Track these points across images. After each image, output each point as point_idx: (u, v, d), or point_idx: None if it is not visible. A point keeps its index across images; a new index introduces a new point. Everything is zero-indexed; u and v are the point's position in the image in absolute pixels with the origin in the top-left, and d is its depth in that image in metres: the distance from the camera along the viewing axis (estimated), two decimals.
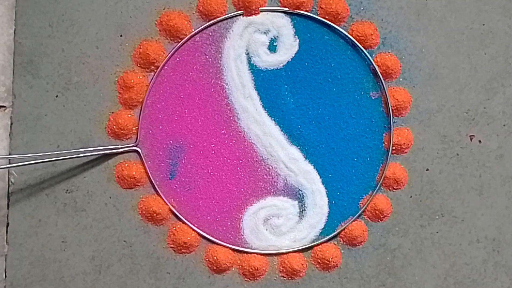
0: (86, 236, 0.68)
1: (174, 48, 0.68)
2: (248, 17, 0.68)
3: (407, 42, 0.70)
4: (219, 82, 0.69)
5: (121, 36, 0.68)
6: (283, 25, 0.69)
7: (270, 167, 0.69)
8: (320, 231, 0.70)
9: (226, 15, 0.68)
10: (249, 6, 0.67)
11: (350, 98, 0.70)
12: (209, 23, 0.68)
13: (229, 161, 0.69)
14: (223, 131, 0.69)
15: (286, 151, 0.70)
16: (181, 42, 0.68)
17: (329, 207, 0.70)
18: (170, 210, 0.69)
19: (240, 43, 0.69)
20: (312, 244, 0.70)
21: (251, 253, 0.70)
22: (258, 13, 0.68)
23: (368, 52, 0.70)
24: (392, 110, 0.70)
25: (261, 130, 0.69)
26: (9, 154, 0.67)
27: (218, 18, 0.69)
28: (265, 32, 0.69)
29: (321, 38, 0.69)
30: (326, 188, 0.70)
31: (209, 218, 0.69)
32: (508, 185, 0.71)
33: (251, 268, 0.69)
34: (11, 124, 0.67)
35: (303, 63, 0.69)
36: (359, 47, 0.70)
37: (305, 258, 0.70)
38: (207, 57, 0.68)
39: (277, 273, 0.70)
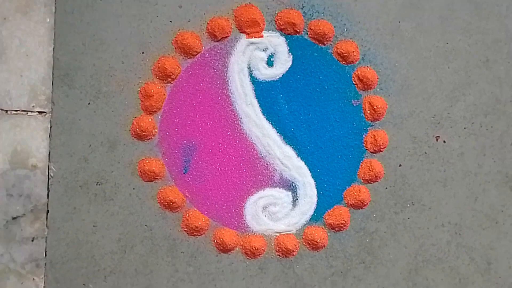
0: (114, 221, 0.74)
1: (187, 63, 0.74)
2: (250, 38, 0.74)
3: (383, 58, 0.76)
4: (225, 92, 0.74)
5: (142, 53, 0.74)
6: (279, 43, 0.74)
7: (268, 163, 0.75)
8: (310, 217, 0.76)
9: (231, 36, 0.74)
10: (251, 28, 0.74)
11: (336, 105, 0.75)
12: (216, 42, 0.74)
13: (233, 158, 0.74)
14: (228, 133, 0.74)
15: (282, 149, 0.75)
16: (194, 58, 0.74)
17: (318, 197, 0.75)
18: (184, 199, 0.75)
19: (242, 59, 0.74)
20: (303, 228, 0.75)
21: (252, 235, 0.75)
22: (259, 36, 0.74)
23: (350, 66, 0.75)
24: (371, 115, 0.75)
25: (260, 132, 0.74)
26: (49, 152, 0.73)
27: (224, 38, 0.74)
28: (264, 50, 0.74)
29: (311, 55, 0.75)
30: (315, 181, 0.75)
31: (217, 206, 0.75)
32: (468, 178, 0.77)
33: (252, 248, 0.74)
34: (51, 127, 0.73)
35: (296, 75, 0.75)
36: (343, 62, 0.75)
37: (297, 240, 0.75)
38: (215, 70, 0.74)
39: (274, 252, 0.75)
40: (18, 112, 0.73)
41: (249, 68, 0.75)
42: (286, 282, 0.75)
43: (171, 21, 0.73)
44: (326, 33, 0.75)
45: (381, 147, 0.76)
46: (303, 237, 0.76)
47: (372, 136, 0.76)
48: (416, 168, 0.77)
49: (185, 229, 0.75)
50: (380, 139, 0.76)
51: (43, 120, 0.74)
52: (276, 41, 0.74)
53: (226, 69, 0.74)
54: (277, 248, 0.75)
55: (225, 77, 0.74)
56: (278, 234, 0.75)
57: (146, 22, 0.73)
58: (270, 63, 0.75)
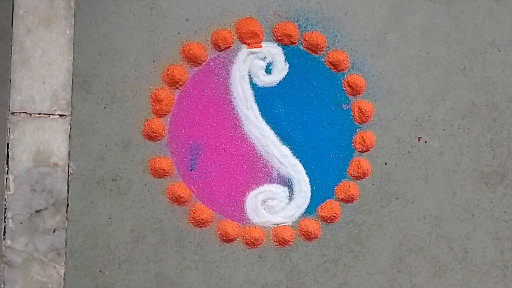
0: (127, 214, 0.77)
1: (194, 71, 0.77)
2: (250, 48, 0.77)
3: (370, 66, 0.78)
4: (228, 97, 0.77)
5: (153, 61, 0.77)
6: (276, 53, 0.77)
7: (267, 162, 0.78)
8: (305, 210, 0.78)
9: (233, 46, 0.77)
10: (251, 39, 0.77)
11: (327, 109, 0.78)
12: (220, 52, 0.77)
13: (235, 157, 0.78)
14: (231, 134, 0.77)
15: (279, 149, 0.78)
16: (199, 66, 0.77)
17: (311, 192, 0.78)
18: (191, 194, 0.77)
19: (243, 67, 0.77)
20: (299, 220, 0.78)
21: (252, 227, 0.78)
22: (259, 46, 0.77)
23: (341, 74, 0.78)
24: (359, 118, 0.78)
25: (259, 133, 0.77)
26: (69, 151, 0.77)
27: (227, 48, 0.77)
28: (262, 59, 0.78)
29: (305, 63, 0.78)
30: (309, 178, 0.78)
31: (220, 200, 0.78)
32: (447, 175, 0.80)
33: (252, 238, 0.78)
34: (70, 128, 0.76)
35: (292, 82, 0.78)
36: (334, 70, 0.78)
37: (293, 231, 0.78)
38: (218, 77, 0.77)
39: (272, 242, 0.78)
40: (41, 115, 0.76)
41: (250, 75, 0.77)
42: (283, 269, 0.79)
43: (179, 33, 0.77)
44: (319, 44, 0.78)
45: (369, 147, 0.79)
46: (298, 228, 0.79)
47: (360, 137, 0.78)
48: (400, 166, 0.80)
49: (192, 221, 0.78)
50: (368, 139, 0.78)
51: (64, 123, 0.76)
52: (273, 51, 0.77)
53: (228, 76, 0.77)
54: (275, 238, 0.78)
55: (227, 84, 0.77)
56: (275, 226, 0.78)
57: (157, 34, 0.77)
58: (268, 71, 0.78)
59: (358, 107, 0.78)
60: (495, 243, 0.81)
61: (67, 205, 0.77)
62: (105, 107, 0.77)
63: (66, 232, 0.77)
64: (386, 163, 0.80)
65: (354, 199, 0.79)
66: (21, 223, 0.76)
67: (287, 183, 0.78)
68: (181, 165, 0.77)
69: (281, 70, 0.78)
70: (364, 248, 0.80)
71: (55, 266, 0.77)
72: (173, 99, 0.77)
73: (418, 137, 0.80)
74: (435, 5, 0.79)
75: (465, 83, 0.80)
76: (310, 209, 0.79)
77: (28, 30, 0.75)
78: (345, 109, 0.79)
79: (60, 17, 0.76)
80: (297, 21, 0.78)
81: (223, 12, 0.77)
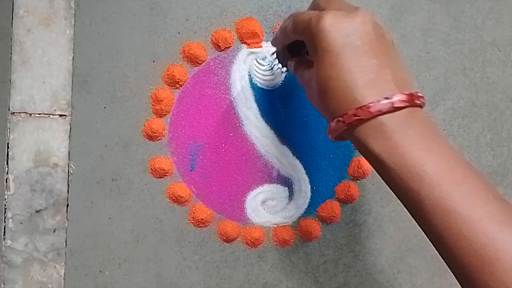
0: (127, 214, 0.77)
1: (194, 71, 0.77)
2: (250, 48, 0.77)
3: None
4: (228, 97, 0.77)
5: (153, 61, 0.77)
6: None
7: (267, 161, 0.78)
8: (305, 210, 0.79)
9: (233, 46, 0.76)
10: (251, 39, 0.76)
11: None
12: (220, 52, 0.77)
13: (235, 157, 0.78)
14: (231, 134, 0.77)
15: (279, 149, 0.78)
16: (199, 66, 0.76)
17: (311, 192, 0.78)
18: (191, 194, 0.78)
19: (244, 67, 0.77)
20: (299, 220, 0.79)
21: (252, 227, 0.78)
22: (259, 46, 0.76)
23: None
24: None
25: (260, 133, 0.77)
26: (69, 151, 0.77)
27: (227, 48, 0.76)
28: (263, 59, 0.77)
29: None
30: (309, 178, 0.78)
31: (220, 200, 0.78)
32: None
33: (252, 238, 0.78)
34: (70, 128, 0.77)
35: (292, 82, 0.77)
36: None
37: (293, 231, 0.79)
38: (218, 77, 0.77)
39: (272, 242, 0.79)
40: (41, 115, 0.76)
41: (250, 75, 0.77)
42: (283, 269, 0.79)
43: (179, 33, 0.77)
44: None
45: None
46: (298, 228, 0.79)
47: None
48: None
49: (192, 221, 0.78)
50: None
51: (64, 123, 0.76)
52: (273, 51, 0.74)
53: (228, 76, 0.77)
54: (275, 238, 0.79)
55: (227, 83, 0.77)
56: (275, 226, 0.79)
57: (157, 34, 0.77)
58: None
59: None
60: None
61: (67, 205, 0.77)
62: (105, 107, 0.77)
63: (66, 232, 0.77)
64: None
65: (354, 199, 0.79)
66: (21, 223, 0.76)
67: (287, 183, 0.78)
68: (181, 165, 0.77)
69: (280, 70, 0.77)
70: (364, 248, 0.80)
71: (55, 266, 0.77)
72: (173, 99, 0.77)
73: None
74: (435, 5, 0.79)
75: (465, 83, 0.80)
76: (310, 209, 0.79)
77: (28, 30, 0.75)
78: None
79: (60, 17, 0.76)
80: None
81: (223, 12, 0.77)
